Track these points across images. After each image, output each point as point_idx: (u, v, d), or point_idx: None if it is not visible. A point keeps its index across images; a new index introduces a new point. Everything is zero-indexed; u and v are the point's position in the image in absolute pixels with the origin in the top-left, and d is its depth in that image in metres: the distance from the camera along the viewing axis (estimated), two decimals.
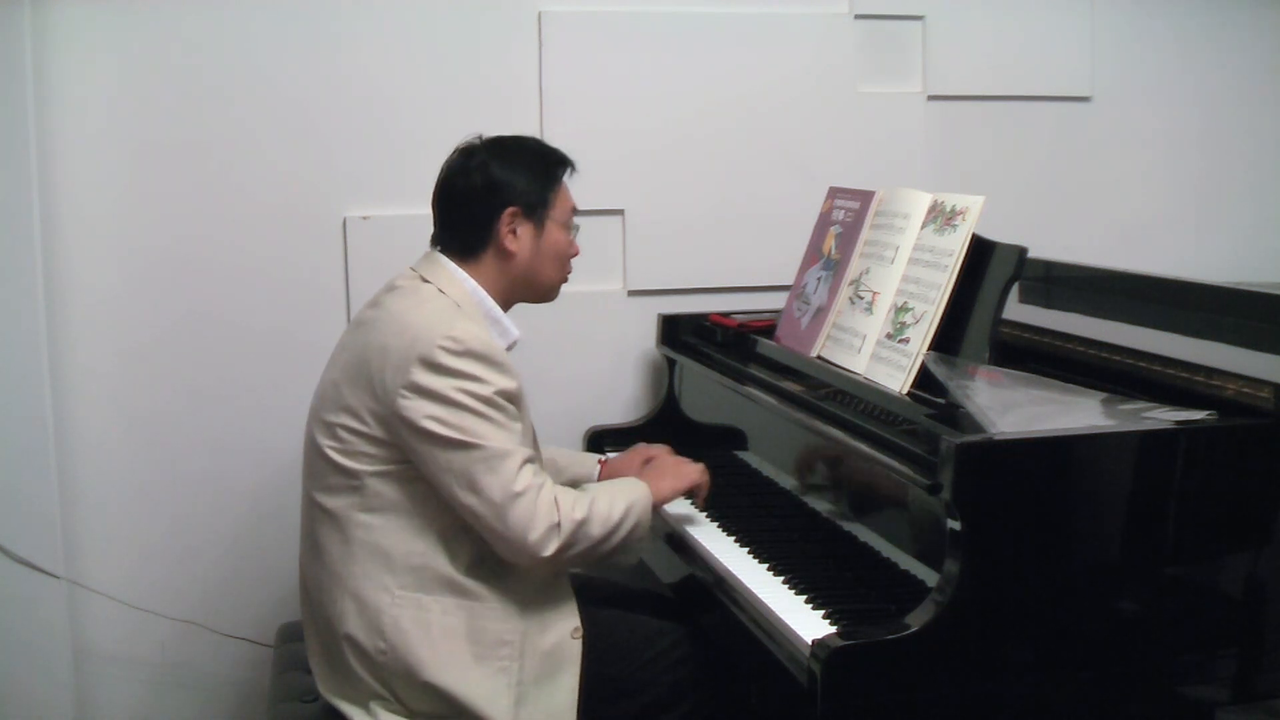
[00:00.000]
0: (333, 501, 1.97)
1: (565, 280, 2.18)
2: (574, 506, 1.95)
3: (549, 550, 1.91)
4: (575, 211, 2.17)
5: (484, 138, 2.14)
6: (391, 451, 1.94)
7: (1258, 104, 3.29)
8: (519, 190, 2.07)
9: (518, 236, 2.07)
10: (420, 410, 1.89)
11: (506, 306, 2.12)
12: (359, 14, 2.74)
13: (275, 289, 2.74)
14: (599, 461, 2.41)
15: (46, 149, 2.61)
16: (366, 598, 1.94)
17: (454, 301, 2.01)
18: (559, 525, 1.92)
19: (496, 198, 2.06)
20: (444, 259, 2.08)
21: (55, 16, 2.59)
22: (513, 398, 1.95)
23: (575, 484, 2.31)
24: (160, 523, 2.76)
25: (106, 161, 2.65)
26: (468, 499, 1.90)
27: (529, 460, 1.94)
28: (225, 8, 2.67)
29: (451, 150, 2.14)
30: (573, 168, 2.16)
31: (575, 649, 1.99)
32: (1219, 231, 3.28)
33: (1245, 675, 1.83)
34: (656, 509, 2.11)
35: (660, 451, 2.35)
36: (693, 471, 2.22)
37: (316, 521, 2.01)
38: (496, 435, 1.91)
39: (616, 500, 2.02)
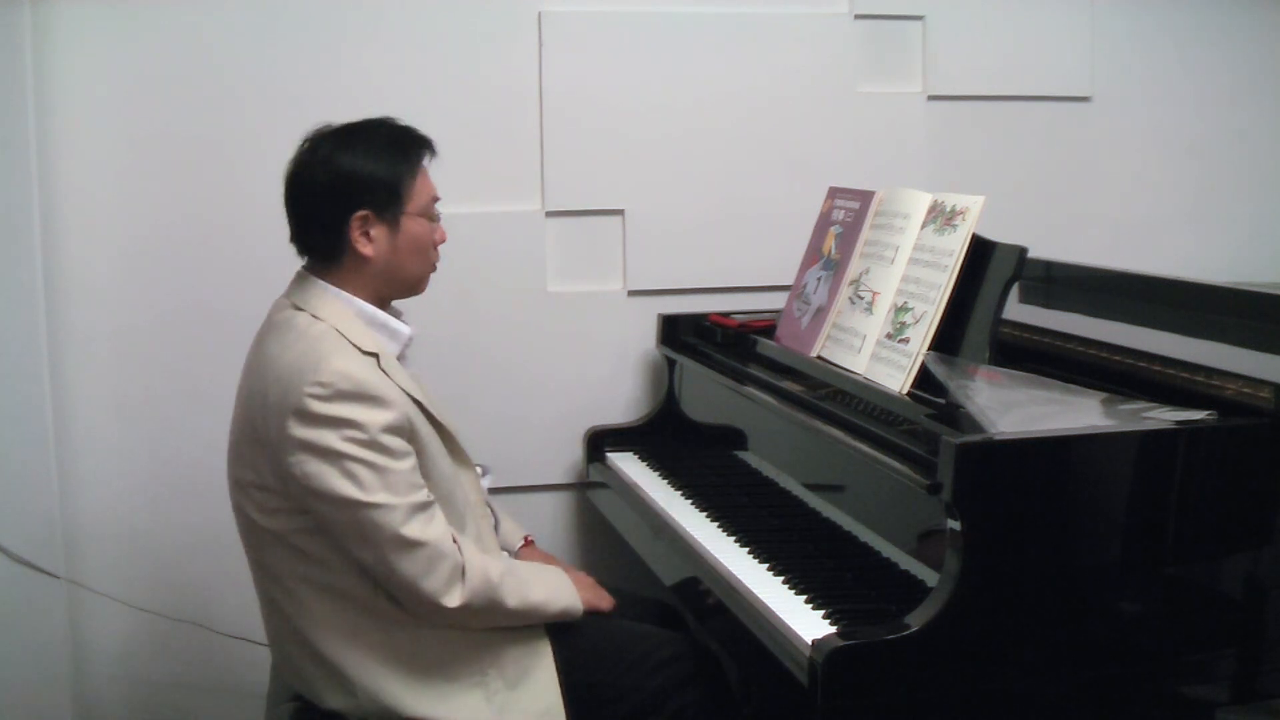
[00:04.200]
0: (274, 563, 1.92)
1: (434, 269, 2.03)
2: (487, 565, 1.89)
3: (453, 601, 1.83)
4: (436, 199, 2.01)
5: (332, 126, 1.96)
6: (302, 505, 1.85)
7: (1257, 104, 3.29)
8: (368, 186, 1.90)
9: (372, 239, 1.92)
10: (302, 466, 1.80)
11: (384, 306, 1.99)
12: (359, 14, 2.74)
13: (275, 288, 2.72)
14: (525, 538, 2.33)
15: (47, 149, 2.61)
16: (331, 655, 1.89)
17: (331, 325, 1.88)
18: (463, 574, 1.84)
19: (344, 198, 1.90)
20: (312, 279, 1.96)
21: (55, 16, 2.60)
22: (397, 429, 1.83)
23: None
24: (161, 523, 2.76)
25: (107, 163, 2.65)
26: (358, 551, 1.83)
27: (422, 507, 1.84)
28: (225, 8, 2.67)
29: (300, 143, 1.97)
30: (432, 151, 1.99)
31: (543, 644, 1.95)
32: (1218, 231, 3.28)
33: (1245, 675, 1.83)
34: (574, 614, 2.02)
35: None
36: (605, 600, 2.11)
37: (266, 584, 1.96)
38: (377, 483, 1.80)
39: (533, 582, 1.96)
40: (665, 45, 2.89)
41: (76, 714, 2.74)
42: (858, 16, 2.99)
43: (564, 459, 2.89)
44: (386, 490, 1.81)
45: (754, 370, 2.48)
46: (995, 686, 1.73)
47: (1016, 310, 2.40)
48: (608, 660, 2.01)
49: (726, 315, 2.77)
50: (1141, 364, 2.01)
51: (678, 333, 2.85)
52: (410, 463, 1.86)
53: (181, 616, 2.78)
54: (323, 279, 1.96)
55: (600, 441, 2.82)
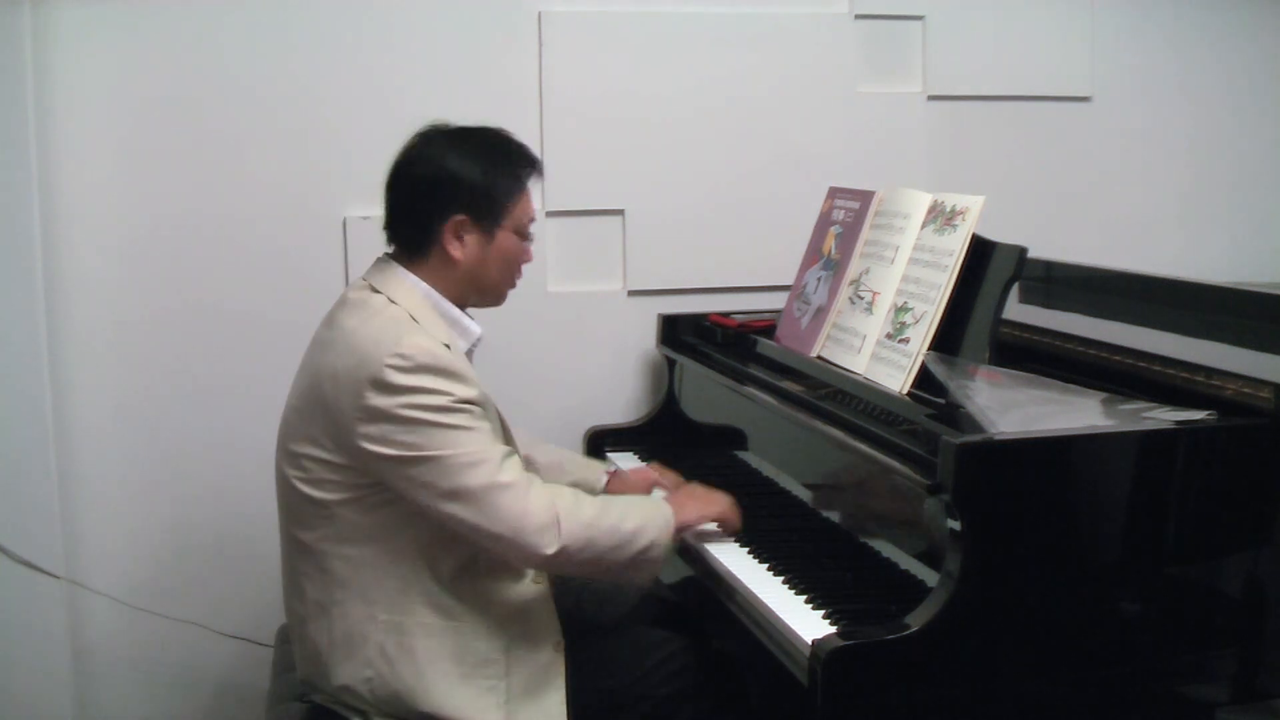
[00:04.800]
0: (308, 535, 1.91)
1: (514, 286, 2.05)
2: (577, 506, 1.89)
3: (550, 548, 1.82)
4: (533, 219, 2.04)
5: (448, 124, 1.99)
6: (357, 477, 1.86)
7: (1257, 103, 3.29)
8: (471, 192, 1.93)
9: (463, 244, 1.94)
10: (379, 435, 1.81)
11: (461, 306, 2.00)
12: (359, 14, 2.74)
13: (276, 289, 2.74)
14: (607, 472, 2.36)
15: (47, 149, 2.61)
16: (351, 630, 1.89)
17: (406, 311, 1.90)
18: (558, 520, 1.84)
19: (445, 198, 1.92)
20: (394, 265, 1.97)
21: (55, 16, 2.59)
22: (475, 404, 1.86)
23: (581, 488, 2.26)
24: (160, 523, 2.76)
25: (106, 163, 2.65)
26: (450, 508, 1.81)
27: (509, 454, 1.86)
28: (225, 7, 2.67)
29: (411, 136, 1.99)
30: (539, 173, 2.03)
31: (559, 662, 1.95)
32: (1218, 231, 3.28)
33: (1245, 675, 1.84)
34: (680, 532, 2.04)
35: (672, 479, 2.36)
36: (721, 500, 2.15)
37: (295, 558, 1.96)
38: (464, 439, 1.82)
39: (630, 513, 1.94)
40: (665, 45, 2.88)
41: (76, 714, 2.74)
42: (858, 16, 2.99)
43: None
44: (473, 444, 1.82)
45: (754, 370, 2.48)
46: (995, 686, 1.73)
47: (1016, 310, 2.40)
48: (619, 668, 2.01)
49: (726, 315, 2.77)
50: (1141, 364, 2.01)
51: (678, 333, 2.85)
52: (487, 427, 1.87)
53: (181, 616, 2.78)
54: (405, 267, 1.97)
55: (600, 441, 2.81)
